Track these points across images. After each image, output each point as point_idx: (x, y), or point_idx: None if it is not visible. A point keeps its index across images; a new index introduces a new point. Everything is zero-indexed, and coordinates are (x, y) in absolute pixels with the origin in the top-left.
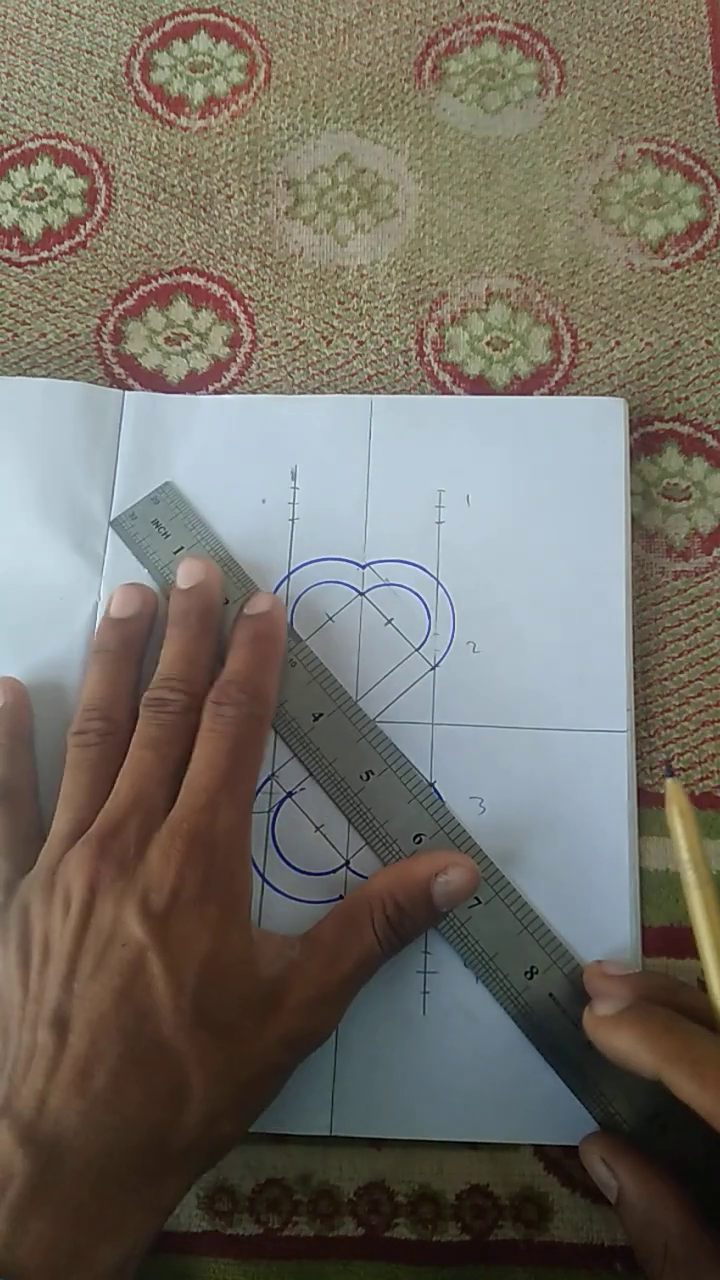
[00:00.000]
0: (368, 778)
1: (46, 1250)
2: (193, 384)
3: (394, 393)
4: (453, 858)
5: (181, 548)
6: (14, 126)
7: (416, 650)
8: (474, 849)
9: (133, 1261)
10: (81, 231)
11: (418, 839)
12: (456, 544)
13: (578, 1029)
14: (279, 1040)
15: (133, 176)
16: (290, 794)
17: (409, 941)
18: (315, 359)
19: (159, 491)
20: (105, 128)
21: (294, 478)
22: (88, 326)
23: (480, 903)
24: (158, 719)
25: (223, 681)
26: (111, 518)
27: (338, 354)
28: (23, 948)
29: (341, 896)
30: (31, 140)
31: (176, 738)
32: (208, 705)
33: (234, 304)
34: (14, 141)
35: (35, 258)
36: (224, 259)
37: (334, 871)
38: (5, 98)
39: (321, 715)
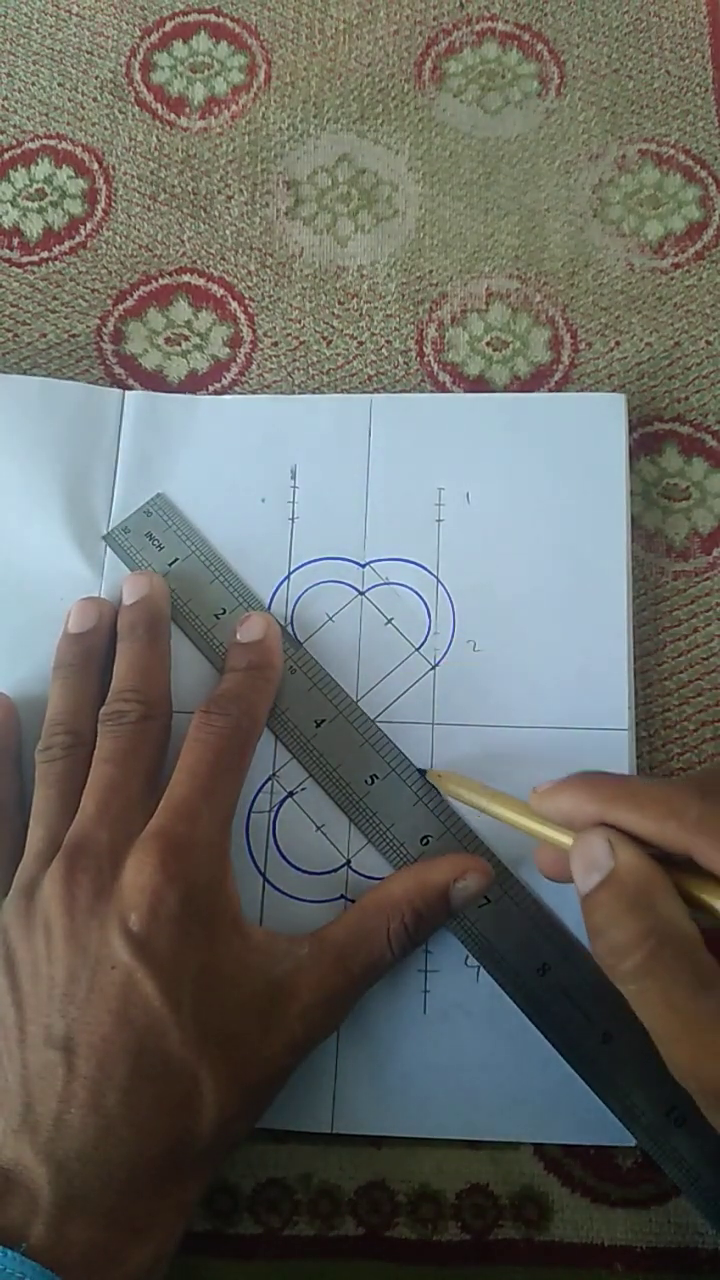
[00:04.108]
0: (372, 782)
1: (85, 1251)
2: (193, 384)
3: (394, 393)
4: (469, 862)
5: (176, 559)
6: (14, 127)
7: (417, 650)
8: (482, 848)
9: (164, 1260)
10: (82, 232)
11: (425, 841)
12: (456, 542)
13: (592, 1024)
14: (285, 1046)
15: (133, 177)
16: (291, 794)
17: (420, 945)
18: (315, 359)
19: (151, 504)
20: (105, 128)
21: (294, 477)
22: (88, 327)
23: (489, 901)
24: (115, 731)
25: (215, 694)
26: (107, 527)
27: (338, 354)
28: (9, 971)
29: (343, 895)
30: (31, 140)
31: (136, 748)
32: (196, 714)
33: (234, 304)
34: (14, 142)
35: (35, 258)
36: (224, 259)
37: (335, 870)
38: (5, 98)
39: (324, 721)
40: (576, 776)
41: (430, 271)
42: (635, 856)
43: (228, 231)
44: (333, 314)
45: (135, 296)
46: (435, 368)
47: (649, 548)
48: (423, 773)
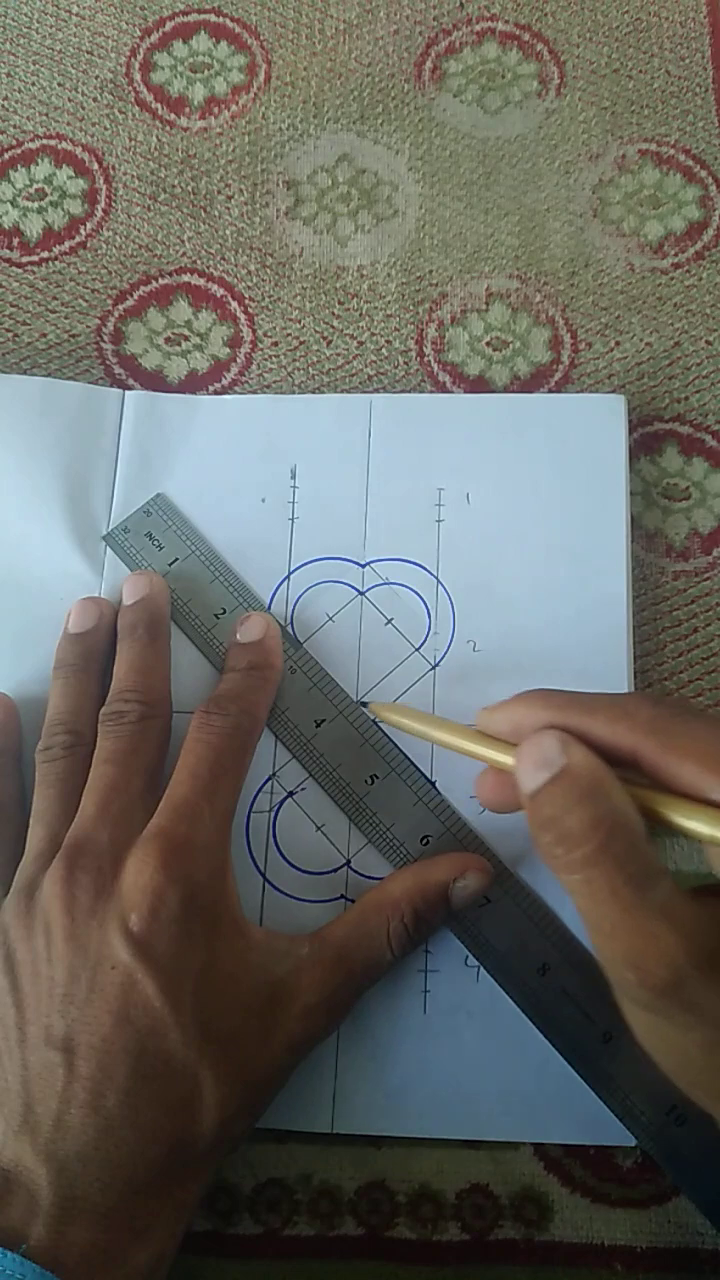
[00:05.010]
0: (372, 782)
1: (85, 1253)
2: (193, 384)
3: (394, 393)
4: (469, 861)
5: (176, 559)
6: (14, 127)
7: (417, 650)
8: (482, 848)
9: (165, 1260)
10: (82, 232)
11: (425, 841)
12: (456, 542)
13: (593, 1024)
14: (285, 1046)
15: (133, 177)
16: (291, 794)
17: (420, 944)
18: (315, 359)
19: (151, 504)
20: (105, 128)
21: (294, 477)
22: (88, 327)
23: (490, 901)
24: (115, 731)
25: (215, 694)
26: (107, 527)
27: (338, 354)
28: (9, 971)
29: (343, 895)
30: (32, 140)
31: (137, 747)
32: (196, 714)
33: (234, 304)
34: (14, 141)
35: (35, 258)
36: (224, 259)
37: (335, 870)
38: (5, 98)
39: (324, 721)
40: (527, 691)
41: (430, 271)
42: (587, 754)
43: (228, 231)
44: (333, 314)
45: (135, 296)
46: (435, 368)
47: (649, 548)
48: (364, 705)
